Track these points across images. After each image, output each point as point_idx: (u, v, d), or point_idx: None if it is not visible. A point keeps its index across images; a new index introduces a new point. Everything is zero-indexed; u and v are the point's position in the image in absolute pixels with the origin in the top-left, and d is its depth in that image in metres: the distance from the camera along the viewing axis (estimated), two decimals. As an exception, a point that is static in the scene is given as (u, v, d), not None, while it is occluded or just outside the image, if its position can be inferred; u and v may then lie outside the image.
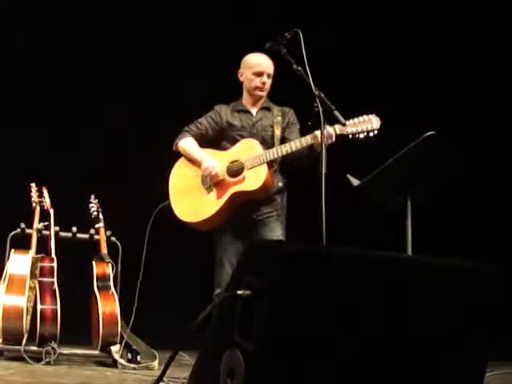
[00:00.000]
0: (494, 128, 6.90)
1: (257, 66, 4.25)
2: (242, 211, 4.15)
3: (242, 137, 4.26)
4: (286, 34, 3.84)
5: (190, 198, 4.23)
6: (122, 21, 6.58)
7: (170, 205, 4.25)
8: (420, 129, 3.51)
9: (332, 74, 5.90)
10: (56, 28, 6.45)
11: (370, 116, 3.99)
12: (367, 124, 3.97)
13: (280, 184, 4.24)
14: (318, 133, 3.86)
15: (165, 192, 4.28)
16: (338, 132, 3.94)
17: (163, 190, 4.28)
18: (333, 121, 3.83)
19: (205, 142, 4.32)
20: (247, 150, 4.17)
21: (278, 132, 4.26)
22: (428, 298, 2.44)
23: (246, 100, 4.36)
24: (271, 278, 2.23)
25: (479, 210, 6.83)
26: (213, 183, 4.17)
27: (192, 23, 6.64)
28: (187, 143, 4.32)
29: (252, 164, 4.11)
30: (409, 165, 3.52)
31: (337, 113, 3.78)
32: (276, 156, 4.08)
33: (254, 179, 4.11)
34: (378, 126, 3.98)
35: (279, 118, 4.29)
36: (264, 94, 4.30)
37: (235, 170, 4.16)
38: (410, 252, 3.57)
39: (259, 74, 4.25)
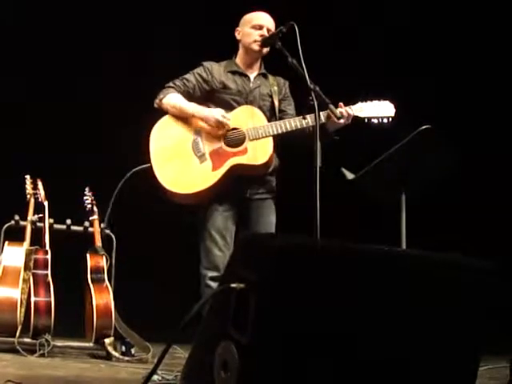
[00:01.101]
0: (491, 121, 6.91)
1: (256, 19, 3.99)
2: (234, 187, 3.82)
3: (238, 102, 3.93)
4: (282, 28, 3.81)
5: (179, 165, 3.82)
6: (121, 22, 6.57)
7: (150, 168, 3.82)
8: (417, 122, 3.51)
9: (331, 70, 5.91)
10: (55, 25, 6.43)
11: (384, 102, 3.92)
12: (382, 109, 3.89)
13: (276, 163, 3.98)
14: (333, 111, 3.74)
15: (145, 154, 3.86)
16: (355, 113, 3.84)
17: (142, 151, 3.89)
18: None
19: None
20: (248, 118, 3.85)
21: (276, 103, 3.99)
22: (425, 293, 2.44)
23: (241, 61, 4.04)
24: (264, 272, 2.22)
25: (475, 204, 6.84)
26: (208, 151, 3.79)
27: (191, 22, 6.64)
28: (176, 98, 3.90)
29: (255, 135, 3.80)
30: (404, 158, 3.52)
31: (332, 106, 3.76)
32: (284, 130, 3.79)
33: (258, 153, 3.79)
34: (393, 114, 3.90)
35: (276, 88, 4.02)
36: (263, 50, 3.98)
37: (235, 140, 3.83)
38: (404, 246, 3.58)
39: (259, 28, 3.96)
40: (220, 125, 3.83)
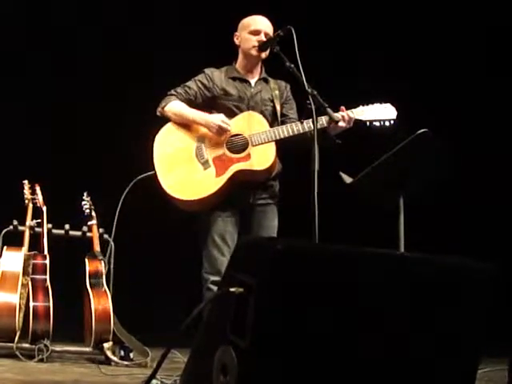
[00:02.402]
0: (490, 123, 6.92)
1: (253, 24, 3.95)
2: (237, 192, 3.82)
3: (239, 108, 3.93)
4: (279, 32, 3.80)
5: (183, 171, 3.83)
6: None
7: (155, 175, 3.83)
8: (415, 125, 3.51)
9: (331, 72, 5.92)
10: (56, 25, 6.43)
11: (386, 104, 3.91)
12: (384, 112, 3.88)
13: (278, 168, 3.96)
14: (337, 115, 3.72)
15: (149, 161, 3.85)
16: (357, 117, 3.83)
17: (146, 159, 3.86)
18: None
19: None
20: (250, 124, 3.85)
21: (278, 107, 3.98)
22: (424, 296, 2.44)
23: (241, 66, 4.02)
24: (262, 275, 2.23)
25: (474, 206, 6.84)
26: (212, 157, 3.79)
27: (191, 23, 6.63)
28: (179, 106, 3.91)
29: (258, 141, 3.79)
30: (402, 162, 3.52)
31: (329, 110, 3.74)
32: (286, 135, 3.78)
33: (261, 158, 3.78)
34: (395, 116, 3.89)
35: (277, 92, 4.01)
36: (262, 55, 3.95)
37: (237, 145, 3.82)
38: (402, 249, 3.58)
39: (256, 33, 3.92)
40: (221, 130, 3.83)
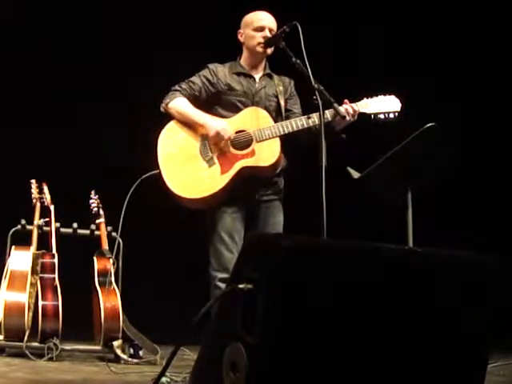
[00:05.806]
0: (495, 119, 6.91)
1: (257, 21, 3.95)
2: (242, 189, 3.80)
3: (244, 104, 3.92)
4: (285, 27, 3.78)
5: (188, 170, 3.81)
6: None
7: (159, 174, 3.80)
8: (420, 119, 3.50)
9: (332, 70, 5.91)
10: (59, 25, 6.44)
11: (390, 96, 3.89)
12: (388, 104, 3.86)
13: (283, 164, 3.95)
14: (341, 109, 3.69)
15: (153, 160, 3.83)
16: (361, 110, 3.82)
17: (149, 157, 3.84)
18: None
19: (195, 106, 3.91)
20: (255, 119, 3.83)
21: (282, 102, 3.97)
22: (432, 291, 2.43)
23: (245, 62, 4.02)
24: (270, 272, 2.22)
25: (480, 200, 6.83)
26: (216, 154, 3.79)
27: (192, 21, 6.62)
28: (182, 104, 3.89)
29: (262, 136, 3.78)
30: (409, 157, 3.52)
31: (336, 106, 3.72)
32: (291, 130, 3.77)
33: (266, 154, 3.77)
34: (399, 108, 3.88)
35: (281, 88, 4.00)
36: (267, 51, 3.95)
37: (242, 142, 3.81)
38: (411, 244, 3.57)
39: (260, 29, 3.92)
40: (218, 136, 3.80)
